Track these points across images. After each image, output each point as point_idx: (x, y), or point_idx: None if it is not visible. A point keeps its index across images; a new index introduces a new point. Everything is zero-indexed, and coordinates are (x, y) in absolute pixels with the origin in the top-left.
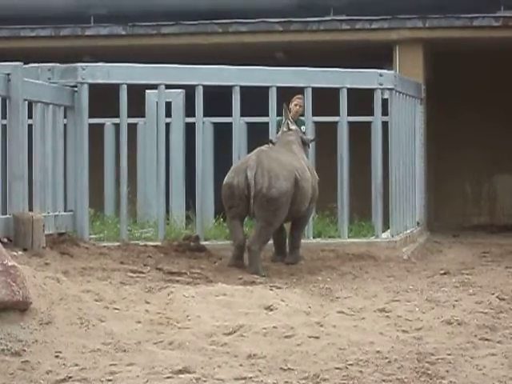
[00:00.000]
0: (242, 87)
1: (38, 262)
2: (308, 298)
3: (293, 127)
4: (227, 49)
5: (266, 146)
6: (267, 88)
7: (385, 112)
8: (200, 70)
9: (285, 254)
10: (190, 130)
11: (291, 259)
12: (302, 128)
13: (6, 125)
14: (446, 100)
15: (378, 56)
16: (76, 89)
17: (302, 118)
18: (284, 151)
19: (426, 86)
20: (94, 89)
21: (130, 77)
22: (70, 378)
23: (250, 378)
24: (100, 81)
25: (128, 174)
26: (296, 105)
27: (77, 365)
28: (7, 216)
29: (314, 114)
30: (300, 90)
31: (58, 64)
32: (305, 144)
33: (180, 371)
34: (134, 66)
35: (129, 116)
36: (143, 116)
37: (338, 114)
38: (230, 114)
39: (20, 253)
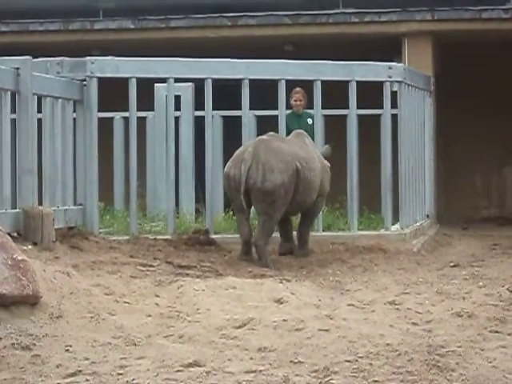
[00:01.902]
0: (251, 80)
1: (48, 256)
2: (318, 291)
3: None
4: (236, 42)
5: (270, 133)
6: (276, 81)
7: (394, 105)
8: (209, 64)
9: (292, 242)
10: (199, 123)
11: (301, 252)
12: (308, 121)
13: (15, 119)
14: (456, 92)
15: (387, 49)
16: (85, 83)
17: (308, 110)
18: (292, 140)
19: (435, 78)
20: (103, 82)
21: (139, 70)
22: (81, 371)
23: (260, 371)
24: (109, 74)
25: (137, 167)
26: (296, 100)
27: (87, 358)
28: (17, 210)
29: (323, 107)
30: (309, 83)
31: (67, 58)
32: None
33: (190, 364)
34: (143, 60)
35: (138, 110)
36: (152, 109)
37: (347, 107)
38: (239, 108)
39: (30, 247)
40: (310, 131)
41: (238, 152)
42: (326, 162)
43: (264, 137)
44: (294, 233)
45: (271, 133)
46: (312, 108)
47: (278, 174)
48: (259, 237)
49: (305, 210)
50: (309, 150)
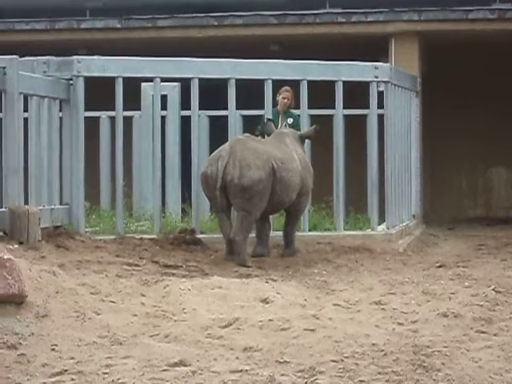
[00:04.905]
0: (237, 80)
1: (34, 256)
2: (304, 291)
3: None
4: (223, 42)
5: (246, 134)
6: (263, 81)
7: (380, 105)
8: (195, 63)
9: (266, 247)
10: (185, 123)
11: (287, 252)
12: (288, 120)
13: (1, 118)
14: (442, 93)
15: (373, 49)
16: (71, 82)
17: (291, 110)
18: (269, 141)
19: (422, 78)
20: (90, 82)
21: (126, 70)
22: (66, 370)
23: (246, 370)
24: (95, 74)
25: (124, 167)
26: (284, 98)
27: (73, 358)
28: (3, 209)
29: (309, 107)
30: (295, 83)
31: (53, 57)
32: (302, 139)
33: (176, 364)
34: (130, 59)
35: (124, 109)
36: (139, 109)
37: (333, 107)
38: (225, 107)
39: (16, 246)
40: None
41: (213, 153)
42: (308, 160)
43: (240, 136)
44: (280, 233)
45: (247, 134)
46: (299, 108)
47: (255, 170)
48: (237, 232)
49: (286, 209)
50: (287, 150)
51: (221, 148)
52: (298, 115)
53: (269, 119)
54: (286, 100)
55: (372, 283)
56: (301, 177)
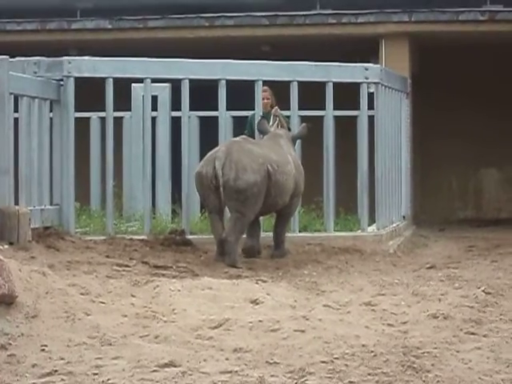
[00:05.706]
0: (228, 81)
1: (24, 256)
2: (294, 292)
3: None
4: (213, 42)
5: (242, 136)
6: (253, 82)
7: (371, 106)
8: (186, 64)
9: (256, 240)
10: (175, 123)
11: (277, 253)
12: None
13: None
14: (432, 94)
15: (364, 50)
16: (62, 82)
17: (280, 111)
18: (265, 143)
19: (412, 79)
20: (80, 82)
21: (116, 70)
22: (56, 371)
23: (236, 371)
24: (86, 74)
25: (114, 167)
26: (263, 98)
27: (62, 358)
28: None
29: (299, 108)
30: (285, 84)
31: (44, 58)
32: (295, 140)
33: (166, 365)
34: (120, 60)
35: (115, 110)
36: (129, 110)
37: (323, 108)
38: (215, 108)
39: (6, 246)
40: None
41: (209, 153)
42: (299, 162)
43: (236, 138)
44: (270, 234)
45: (243, 136)
46: (288, 109)
47: (250, 173)
48: (230, 233)
49: (277, 210)
50: (282, 152)
51: (217, 149)
52: (288, 116)
53: (262, 117)
54: (265, 100)
55: (362, 284)
56: (295, 179)
